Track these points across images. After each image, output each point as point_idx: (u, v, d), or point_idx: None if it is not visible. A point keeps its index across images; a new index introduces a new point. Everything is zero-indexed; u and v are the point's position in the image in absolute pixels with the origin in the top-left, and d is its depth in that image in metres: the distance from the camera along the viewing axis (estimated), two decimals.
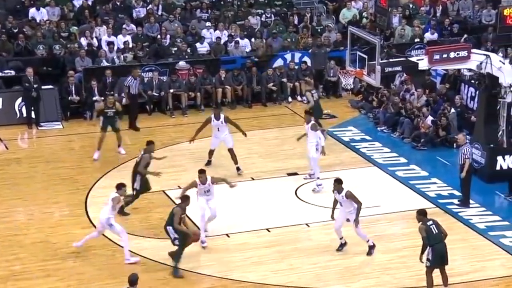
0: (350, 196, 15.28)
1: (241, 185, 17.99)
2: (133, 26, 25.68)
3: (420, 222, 13.96)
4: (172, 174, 19.28)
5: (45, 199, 18.17)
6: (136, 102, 22.72)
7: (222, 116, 19.19)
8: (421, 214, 14.08)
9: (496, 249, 16.02)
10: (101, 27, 25.38)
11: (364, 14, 27.56)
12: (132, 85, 22.43)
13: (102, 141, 20.31)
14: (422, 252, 13.97)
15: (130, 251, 15.40)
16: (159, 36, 25.42)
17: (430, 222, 13.92)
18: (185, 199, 15.24)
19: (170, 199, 17.99)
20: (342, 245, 15.73)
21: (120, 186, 15.55)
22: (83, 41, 24.80)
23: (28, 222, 17.20)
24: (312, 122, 18.48)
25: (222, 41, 25.56)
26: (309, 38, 25.86)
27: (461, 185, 17.90)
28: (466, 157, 17.52)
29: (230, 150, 19.14)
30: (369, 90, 23.94)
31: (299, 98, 24.72)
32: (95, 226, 16.80)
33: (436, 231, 13.86)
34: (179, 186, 18.56)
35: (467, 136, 19.15)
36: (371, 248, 15.66)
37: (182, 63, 24.14)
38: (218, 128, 19.13)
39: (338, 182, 15.46)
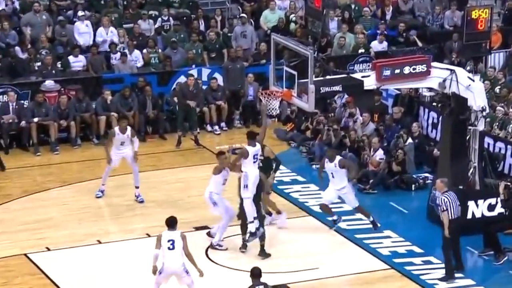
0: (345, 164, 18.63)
1: (134, 243, 18.35)
2: None
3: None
4: (38, 232, 19.18)
5: None
6: None
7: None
8: (252, 274, 14.44)
9: None
10: None
11: (292, 17, 27.87)
12: None
13: None
14: None
15: None
16: (16, 47, 25.21)
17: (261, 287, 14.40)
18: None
19: (35, 264, 17.82)
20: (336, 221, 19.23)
21: None
22: None
23: None
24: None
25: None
26: None
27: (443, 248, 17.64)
28: (442, 209, 17.32)
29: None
30: (301, 117, 24.23)
31: (209, 127, 24.91)
32: None
33: None
34: (47, 248, 18.56)
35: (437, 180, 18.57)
36: None
37: (49, 83, 24.06)
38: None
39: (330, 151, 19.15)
